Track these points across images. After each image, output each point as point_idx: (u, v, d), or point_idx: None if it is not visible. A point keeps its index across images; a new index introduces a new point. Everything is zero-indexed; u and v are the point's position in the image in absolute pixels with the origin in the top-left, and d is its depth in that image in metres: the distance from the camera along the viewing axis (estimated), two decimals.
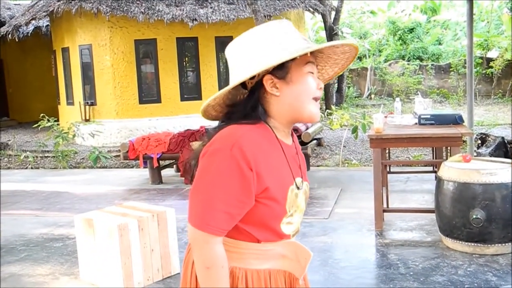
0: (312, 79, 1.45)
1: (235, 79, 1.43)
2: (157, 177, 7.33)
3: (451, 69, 16.59)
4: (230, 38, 12.35)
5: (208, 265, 1.39)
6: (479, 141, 6.91)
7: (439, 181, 4.19)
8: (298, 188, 1.49)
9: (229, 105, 1.50)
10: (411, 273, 3.76)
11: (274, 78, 1.43)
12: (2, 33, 12.53)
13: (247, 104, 1.45)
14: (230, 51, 1.49)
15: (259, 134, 1.42)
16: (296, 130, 6.94)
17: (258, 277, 1.49)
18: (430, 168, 6.82)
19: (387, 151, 6.43)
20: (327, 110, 11.98)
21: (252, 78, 1.44)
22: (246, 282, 1.47)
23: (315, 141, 7.46)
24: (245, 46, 1.44)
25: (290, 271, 1.55)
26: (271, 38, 1.42)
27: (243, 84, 1.46)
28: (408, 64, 17.39)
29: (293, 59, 1.42)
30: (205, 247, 1.39)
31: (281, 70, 1.42)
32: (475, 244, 4.00)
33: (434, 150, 6.65)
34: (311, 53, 1.47)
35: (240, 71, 1.42)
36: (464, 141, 7.05)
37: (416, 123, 5.10)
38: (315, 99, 1.46)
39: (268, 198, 1.41)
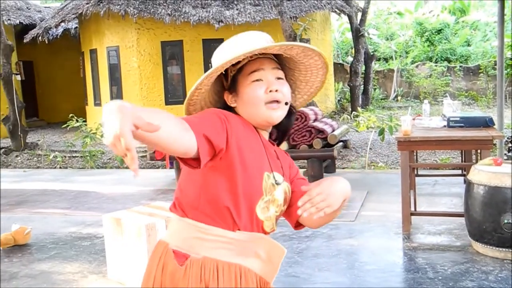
0: (257, 86, 1.52)
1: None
2: None
3: (480, 71, 16.31)
4: None
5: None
6: (510, 144, 6.78)
7: (469, 184, 4.12)
8: (276, 181, 1.53)
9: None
10: (440, 277, 3.70)
11: (229, 94, 1.56)
12: (32, 36, 12.79)
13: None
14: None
15: (240, 117, 1.53)
16: (322, 131, 6.91)
17: (229, 271, 1.48)
18: (459, 172, 6.71)
19: (414, 153, 6.35)
20: (353, 112, 11.91)
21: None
22: (217, 273, 1.47)
23: (341, 143, 7.41)
24: (216, 52, 1.60)
25: (262, 275, 1.54)
26: (227, 48, 1.54)
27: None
28: (436, 65, 17.16)
29: (240, 71, 1.53)
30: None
31: (232, 84, 1.54)
32: (507, 250, 3.93)
33: (463, 153, 6.55)
34: (279, 59, 1.58)
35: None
36: (494, 145, 6.93)
37: (444, 126, 5.03)
38: (269, 103, 1.52)
39: (243, 164, 1.45)
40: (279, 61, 1.60)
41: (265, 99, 1.51)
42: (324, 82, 1.68)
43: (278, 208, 1.56)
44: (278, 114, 1.53)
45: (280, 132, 1.67)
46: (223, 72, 1.56)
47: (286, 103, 1.54)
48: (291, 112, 1.63)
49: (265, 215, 1.53)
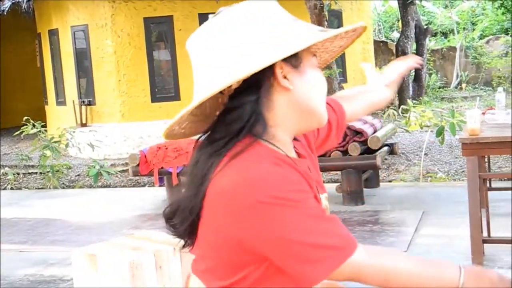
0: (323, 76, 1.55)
1: (225, 78, 1.41)
2: None
3: None
4: None
5: (386, 278, 1.40)
6: None
7: None
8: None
9: (202, 120, 1.54)
10: None
11: (285, 67, 1.43)
12: None
13: (242, 114, 1.41)
14: (205, 44, 1.58)
15: (272, 156, 1.42)
16: (360, 133, 6.92)
17: None
18: None
19: (486, 160, 6.34)
20: (401, 106, 11.89)
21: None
22: None
23: (386, 148, 7.41)
24: (235, 33, 1.52)
25: None
26: (273, 21, 1.46)
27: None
28: None
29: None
30: (365, 268, 1.39)
31: (294, 57, 1.43)
32: None
33: None
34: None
35: (236, 64, 1.43)
36: None
37: None
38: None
39: None
40: None
41: (326, 93, 1.57)
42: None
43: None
44: None
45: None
46: None
47: None
48: None
49: None
